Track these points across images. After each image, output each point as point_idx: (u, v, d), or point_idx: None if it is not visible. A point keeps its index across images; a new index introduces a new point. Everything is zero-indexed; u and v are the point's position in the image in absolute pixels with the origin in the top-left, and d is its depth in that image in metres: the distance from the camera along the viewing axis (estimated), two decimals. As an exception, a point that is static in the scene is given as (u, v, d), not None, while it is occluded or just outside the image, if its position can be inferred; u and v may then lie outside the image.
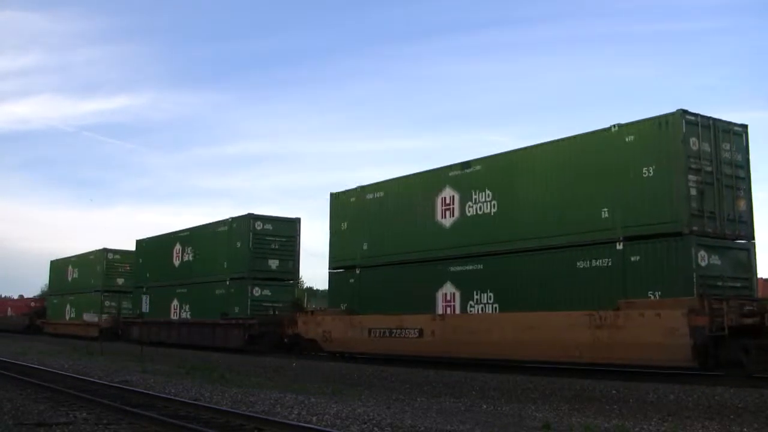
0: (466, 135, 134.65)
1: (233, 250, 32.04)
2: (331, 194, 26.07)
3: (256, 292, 30.80)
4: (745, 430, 10.64)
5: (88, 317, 48.12)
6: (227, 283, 32.04)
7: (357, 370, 20.24)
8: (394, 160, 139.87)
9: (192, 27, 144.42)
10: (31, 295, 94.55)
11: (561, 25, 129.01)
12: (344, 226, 25.09)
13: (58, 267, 53.64)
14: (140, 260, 40.56)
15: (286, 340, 27.57)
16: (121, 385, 15.29)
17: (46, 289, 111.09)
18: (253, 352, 28.26)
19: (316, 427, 9.82)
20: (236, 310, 30.91)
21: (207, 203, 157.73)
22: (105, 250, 44.98)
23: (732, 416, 11.57)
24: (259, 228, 31.52)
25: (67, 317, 46.38)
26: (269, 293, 31.02)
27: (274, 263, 31.71)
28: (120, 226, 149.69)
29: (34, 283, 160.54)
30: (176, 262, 36.53)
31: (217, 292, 32.55)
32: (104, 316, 41.80)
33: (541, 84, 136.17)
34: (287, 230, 32.35)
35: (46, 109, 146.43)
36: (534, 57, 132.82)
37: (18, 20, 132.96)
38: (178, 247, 36.43)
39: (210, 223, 34.64)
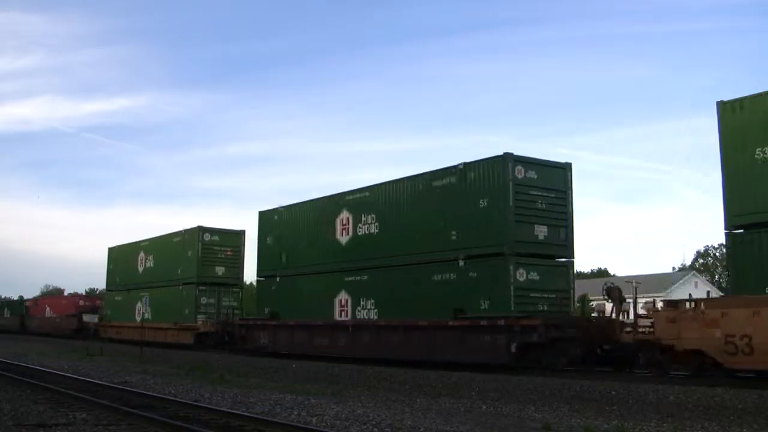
0: (466, 136, 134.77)
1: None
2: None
3: (520, 275, 19.25)
4: (744, 430, 10.65)
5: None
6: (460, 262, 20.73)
7: (357, 371, 20.24)
8: (394, 161, 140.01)
9: (192, 28, 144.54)
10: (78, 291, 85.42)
11: (561, 26, 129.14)
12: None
13: (121, 255, 42.65)
14: (271, 240, 29.08)
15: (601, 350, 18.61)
16: (120, 386, 15.30)
17: (46, 289, 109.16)
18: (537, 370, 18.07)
19: (315, 428, 9.82)
20: (485, 305, 19.51)
21: (207, 203, 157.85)
22: (200, 229, 34.36)
23: (731, 417, 11.57)
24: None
25: (139, 318, 36.19)
26: (536, 276, 19.63)
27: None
28: (120, 227, 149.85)
29: (33, 283, 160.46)
30: (342, 239, 25.29)
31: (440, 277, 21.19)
32: (201, 317, 33.38)
33: (541, 84, 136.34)
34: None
35: (46, 110, 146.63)
36: (533, 58, 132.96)
37: (18, 22, 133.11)
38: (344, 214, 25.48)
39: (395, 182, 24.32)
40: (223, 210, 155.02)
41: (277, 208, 29.12)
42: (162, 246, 37.46)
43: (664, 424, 11.03)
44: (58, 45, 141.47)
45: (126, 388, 15.02)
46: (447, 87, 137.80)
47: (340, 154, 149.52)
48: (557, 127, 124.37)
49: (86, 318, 47.85)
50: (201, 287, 33.46)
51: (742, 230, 16.03)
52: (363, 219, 24.11)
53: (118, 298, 41.71)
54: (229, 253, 34.51)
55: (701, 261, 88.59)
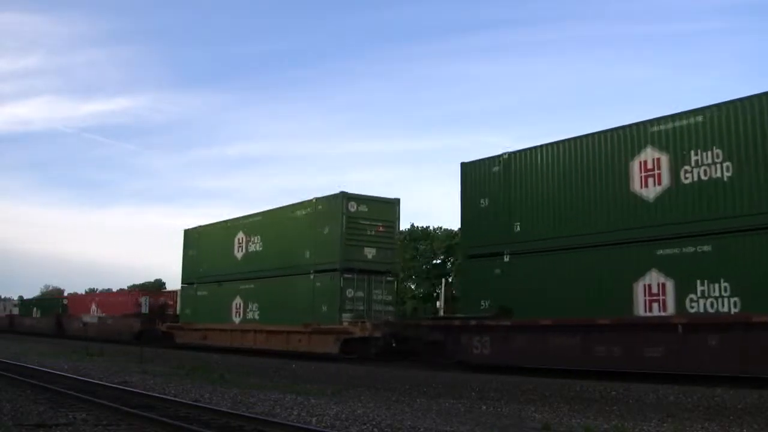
0: (465, 136, 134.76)
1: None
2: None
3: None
4: (744, 430, 10.65)
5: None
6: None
7: (357, 371, 20.24)
8: (394, 161, 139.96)
9: (192, 29, 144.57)
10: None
11: (560, 27, 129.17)
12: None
13: (206, 239, 33.71)
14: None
15: None
16: (120, 386, 15.29)
17: (46, 289, 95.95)
18: None
19: (315, 428, 9.82)
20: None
21: (207, 204, 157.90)
22: (344, 197, 25.45)
23: (731, 417, 11.57)
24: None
25: (237, 319, 29.95)
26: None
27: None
28: (119, 227, 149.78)
29: (33, 284, 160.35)
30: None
31: None
32: (346, 316, 24.60)
33: (541, 85, 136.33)
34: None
35: (46, 110, 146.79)
36: (533, 58, 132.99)
37: (19, 22, 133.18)
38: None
39: None
40: (223, 210, 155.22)
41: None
42: (276, 223, 29.21)
43: (664, 424, 11.03)
44: (59, 45, 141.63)
45: (126, 388, 15.02)
46: (446, 88, 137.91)
47: (340, 154, 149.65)
48: (556, 128, 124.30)
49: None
50: (347, 275, 24.98)
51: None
52: (252, 239, 30.18)
53: (201, 293, 33.38)
54: (380, 229, 26.33)
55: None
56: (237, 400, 13.47)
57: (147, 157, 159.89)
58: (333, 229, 25.52)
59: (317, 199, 26.59)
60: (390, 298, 25.92)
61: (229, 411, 11.46)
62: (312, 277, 25.95)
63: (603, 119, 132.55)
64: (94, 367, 21.68)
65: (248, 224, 30.70)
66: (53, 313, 52.33)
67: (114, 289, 64.88)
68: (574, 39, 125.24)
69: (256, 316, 28.89)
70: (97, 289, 76.74)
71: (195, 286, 33.75)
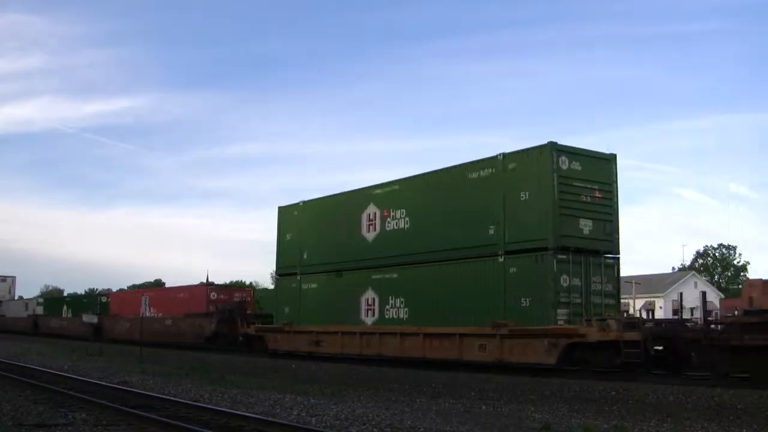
0: (466, 136, 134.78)
1: None
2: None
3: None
4: (744, 430, 10.65)
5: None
6: None
7: (357, 371, 20.23)
8: (394, 161, 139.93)
9: (192, 29, 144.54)
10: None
11: (560, 27, 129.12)
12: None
13: (315, 216, 26.62)
14: None
15: None
16: (120, 386, 15.30)
17: (46, 289, 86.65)
18: None
19: (315, 428, 9.82)
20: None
21: (208, 204, 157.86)
22: (553, 148, 18.37)
23: (731, 417, 11.57)
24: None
25: (370, 320, 23.14)
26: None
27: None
28: (119, 227, 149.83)
29: (32, 284, 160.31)
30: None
31: None
32: (562, 313, 17.83)
33: (540, 85, 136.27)
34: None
35: (47, 110, 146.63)
36: (533, 58, 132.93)
37: (20, 23, 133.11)
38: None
39: None
40: (223, 210, 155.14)
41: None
42: (434, 190, 21.89)
43: (664, 424, 11.04)
44: (59, 46, 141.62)
45: (125, 388, 15.02)
46: (446, 87, 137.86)
47: (341, 154, 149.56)
48: (556, 128, 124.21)
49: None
50: (560, 256, 18.05)
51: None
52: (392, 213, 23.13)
53: (308, 286, 26.01)
54: (597, 194, 19.02)
55: (700, 261, 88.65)
56: (237, 400, 13.47)
57: (147, 157, 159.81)
58: (537, 195, 18.36)
59: (505, 155, 19.51)
60: (611, 287, 18.95)
61: (229, 411, 11.46)
62: (502, 260, 18.88)
63: (603, 119, 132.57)
64: (93, 367, 21.68)
65: (384, 195, 23.48)
66: (88, 313, 43.78)
67: (114, 289, 59.28)
68: (574, 39, 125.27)
69: (403, 315, 21.72)
70: (97, 289, 72.70)
71: (298, 277, 26.29)
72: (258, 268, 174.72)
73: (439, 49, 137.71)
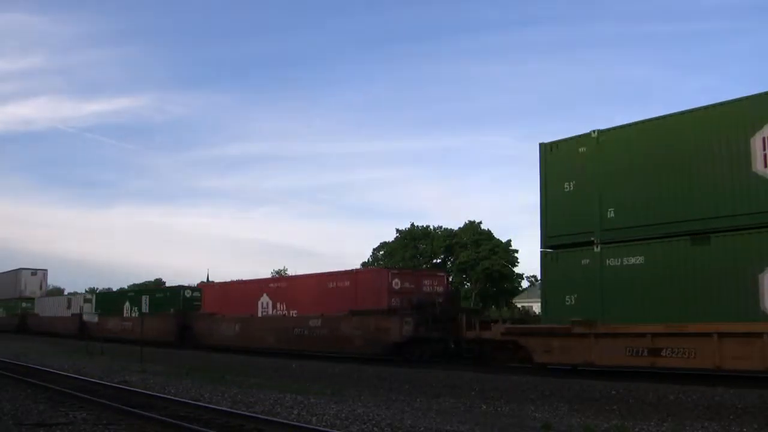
0: (465, 136, 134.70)
1: None
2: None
3: None
4: (744, 430, 10.64)
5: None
6: None
7: (357, 370, 20.23)
8: (394, 161, 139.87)
9: (193, 29, 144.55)
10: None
11: (561, 27, 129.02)
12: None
13: (607, 155, 17.80)
14: None
15: None
16: (120, 386, 15.30)
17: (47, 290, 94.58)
18: None
19: (315, 427, 9.82)
20: None
21: (208, 204, 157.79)
22: None
23: (731, 416, 11.56)
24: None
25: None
26: None
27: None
28: (119, 227, 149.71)
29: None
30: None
31: None
32: None
33: (542, 85, 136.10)
34: None
35: (48, 110, 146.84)
36: (533, 58, 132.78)
37: (21, 23, 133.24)
38: None
39: None
40: (223, 210, 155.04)
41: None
42: None
43: (664, 424, 11.02)
44: (60, 46, 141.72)
45: (126, 387, 15.03)
46: (446, 88, 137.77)
47: (342, 154, 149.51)
48: (556, 127, 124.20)
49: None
50: None
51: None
52: None
53: (623, 261, 17.07)
54: None
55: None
56: (237, 399, 13.46)
57: (147, 157, 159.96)
58: None
59: None
60: None
61: (229, 410, 11.46)
62: None
63: (603, 119, 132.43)
64: (94, 366, 21.67)
65: None
66: (165, 312, 34.53)
67: (114, 289, 54.07)
68: (574, 39, 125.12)
69: None
70: (97, 289, 66.34)
71: (597, 248, 17.34)
72: (258, 268, 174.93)
73: (440, 49, 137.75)
